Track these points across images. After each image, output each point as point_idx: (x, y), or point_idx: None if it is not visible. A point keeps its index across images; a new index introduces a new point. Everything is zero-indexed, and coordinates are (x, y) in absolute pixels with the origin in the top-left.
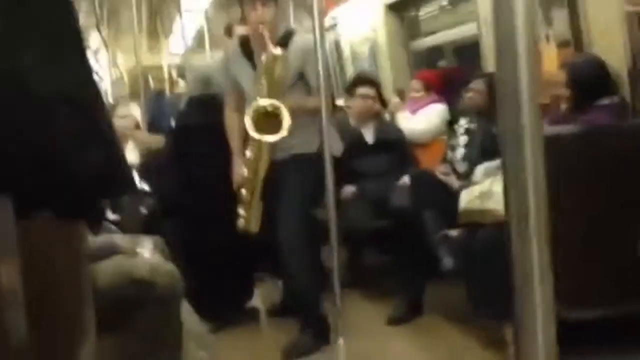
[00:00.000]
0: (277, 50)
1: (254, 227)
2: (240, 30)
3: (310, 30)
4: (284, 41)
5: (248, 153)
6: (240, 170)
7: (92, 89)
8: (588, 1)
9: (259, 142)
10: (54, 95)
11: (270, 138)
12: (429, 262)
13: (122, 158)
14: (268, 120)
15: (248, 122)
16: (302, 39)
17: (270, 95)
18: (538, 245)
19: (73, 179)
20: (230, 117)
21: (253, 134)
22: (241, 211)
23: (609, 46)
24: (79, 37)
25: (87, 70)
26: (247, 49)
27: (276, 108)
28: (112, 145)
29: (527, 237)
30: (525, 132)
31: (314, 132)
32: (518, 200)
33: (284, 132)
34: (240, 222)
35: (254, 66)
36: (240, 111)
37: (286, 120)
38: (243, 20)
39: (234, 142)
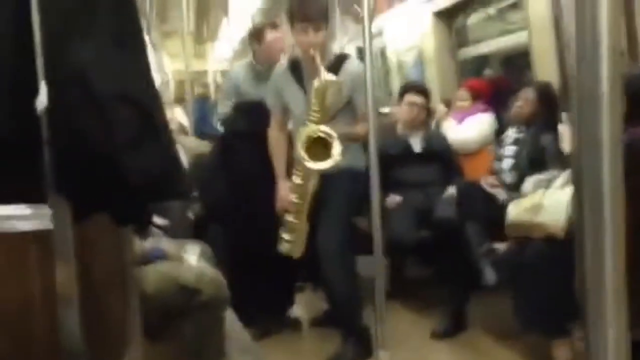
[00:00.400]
0: (331, 77)
1: (298, 252)
2: (270, 35)
3: (356, 37)
4: (336, 66)
5: (296, 179)
6: (286, 196)
7: (152, 88)
8: None
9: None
10: (114, 94)
11: (321, 167)
12: (472, 275)
13: (177, 161)
14: (316, 145)
15: (300, 149)
16: (352, 65)
17: (321, 120)
18: (613, 260)
19: (131, 182)
20: (275, 139)
21: (305, 162)
22: (285, 236)
23: None
24: (140, 35)
25: (147, 68)
26: (296, 70)
27: (328, 135)
28: (168, 147)
29: (602, 252)
30: (604, 140)
31: (361, 150)
32: (593, 212)
33: (335, 160)
34: (285, 247)
35: (303, 89)
36: (285, 132)
37: (336, 147)
38: (273, 25)
39: (279, 164)
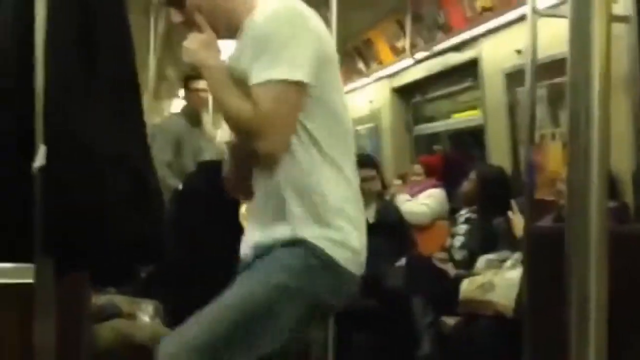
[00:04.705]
0: None
1: None
2: (194, 85)
3: None
4: None
5: None
6: None
7: (147, 153)
8: None
9: None
10: (111, 158)
11: None
12: (412, 347)
13: (163, 225)
14: None
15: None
16: None
17: None
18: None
19: (119, 243)
20: None
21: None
22: None
23: (614, 149)
24: (139, 100)
25: (144, 133)
26: None
27: None
28: (158, 212)
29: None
30: (591, 231)
31: None
32: (580, 306)
33: None
34: None
35: None
36: None
37: None
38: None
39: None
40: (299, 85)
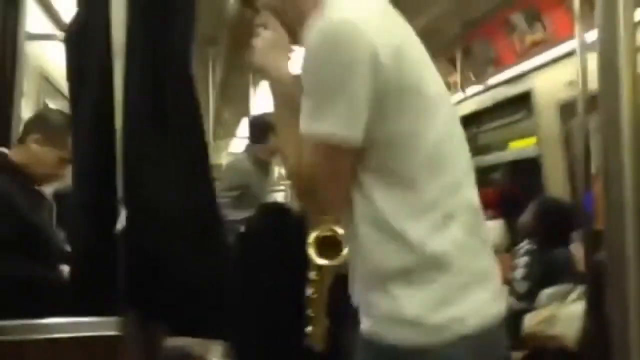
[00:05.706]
0: None
1: (319, 345)
2: None
3: None
4: None
5: (312, 274)
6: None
7: (214, 207)
8: None
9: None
10: (180, 216)
11: (326, 262)
12: None
13: (229, 273)
14: (333, 243)
15: (310, 245)
16: None
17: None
18: None
19: (191, 295)
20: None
21: (314, 257)
22: (308, 329)
23: None
24: (206, 157)
25: (212, 189)
26: None
27: (338, 234)
28: (224, 264)
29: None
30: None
31: None
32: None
33: (342, 257)
34: (308, 339)
35: None
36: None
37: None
38: None
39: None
40: (345, 144)
